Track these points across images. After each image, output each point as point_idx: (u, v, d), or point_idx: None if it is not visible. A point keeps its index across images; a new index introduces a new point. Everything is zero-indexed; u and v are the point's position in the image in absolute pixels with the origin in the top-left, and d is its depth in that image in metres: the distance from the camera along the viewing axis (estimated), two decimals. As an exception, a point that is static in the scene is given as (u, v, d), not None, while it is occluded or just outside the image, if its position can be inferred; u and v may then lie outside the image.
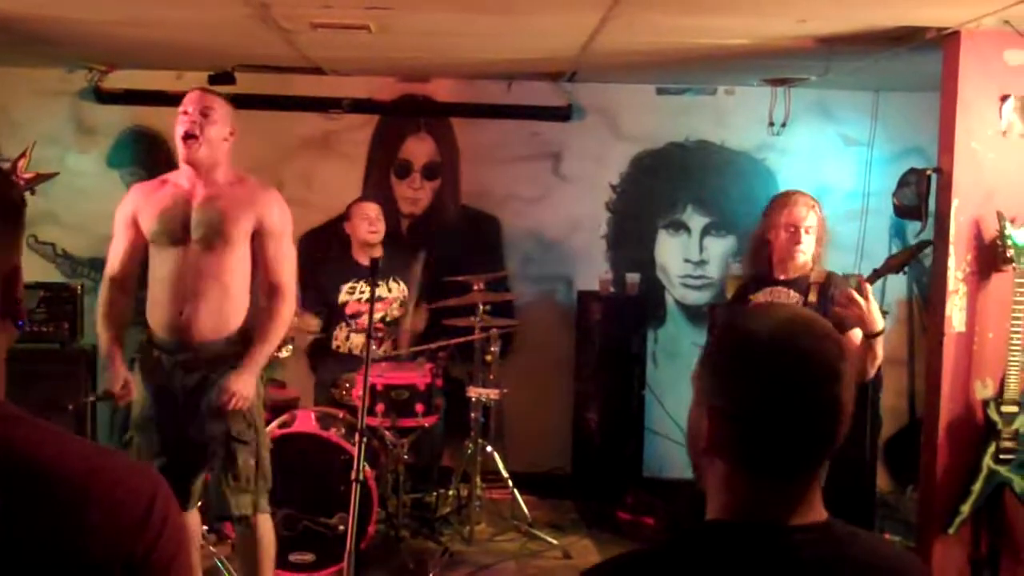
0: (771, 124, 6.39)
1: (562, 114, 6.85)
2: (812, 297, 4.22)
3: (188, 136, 4.00)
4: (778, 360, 1.45)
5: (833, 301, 4.01)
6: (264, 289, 4.15)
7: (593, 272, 6.82)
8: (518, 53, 5.72)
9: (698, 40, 5.09)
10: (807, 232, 4.26)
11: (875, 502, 5.95)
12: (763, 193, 6.86)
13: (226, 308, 4.08)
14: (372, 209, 5.99)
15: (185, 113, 4.03)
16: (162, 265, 4.08)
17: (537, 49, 5.56)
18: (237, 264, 4.08)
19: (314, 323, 5.98)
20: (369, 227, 5.91)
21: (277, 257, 4.14)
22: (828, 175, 6.83)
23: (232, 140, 4.14)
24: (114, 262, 4.20)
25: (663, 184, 6.91)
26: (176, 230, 4.03)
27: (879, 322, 3.85)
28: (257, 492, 4.12)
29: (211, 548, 5.18)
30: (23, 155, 6.56)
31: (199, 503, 4.37)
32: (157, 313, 4.09)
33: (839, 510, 1.51)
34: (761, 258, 4.39)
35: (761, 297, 4.32)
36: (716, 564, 1.44)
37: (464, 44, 5.53)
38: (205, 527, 5.22)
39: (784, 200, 4.36)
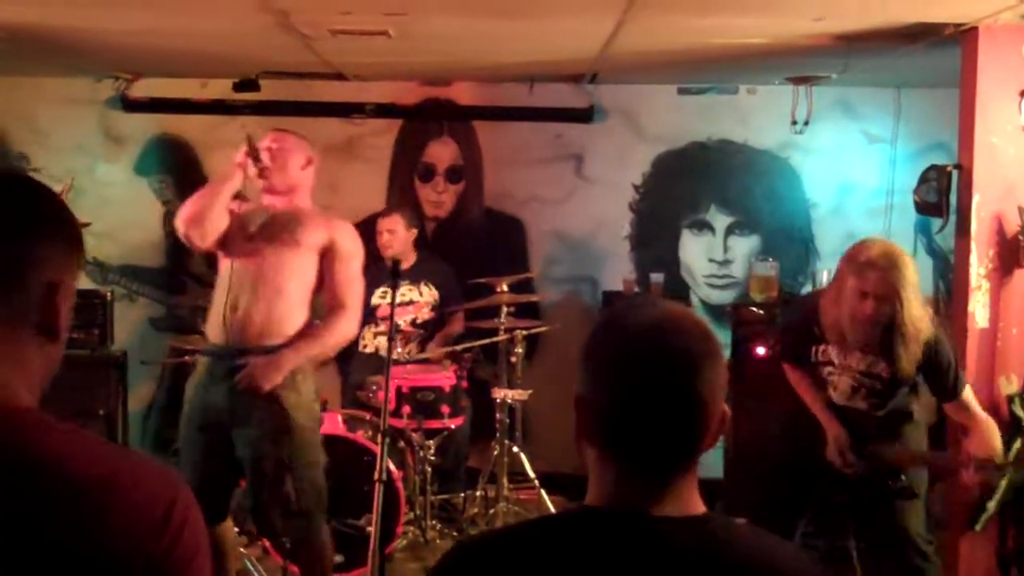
0: (794, 122, 6.38)
1: (584, 115, 6.87)
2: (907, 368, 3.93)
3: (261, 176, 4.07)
4: (634, 353, 1.47)
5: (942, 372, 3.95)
6: (328, 305, 4.13)
7: (617, 272, 6.83)
8: (538, 56, 5.75)
9: (717, 40, 5.11)
10: (876, 299, 3.80)
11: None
12: (787, 191, 6.89)
13: (280, 311, 4.00)
14: (384, 224, 6.06)
15: (256, 163, 4.05)
16: (225, 266, 4.08)
17: (557, 51, 5.59)
18: (299, 270, 4.05)
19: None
20: (380, 240, 6.00)
21: (345, 279, 4.12)
22: (852, 172, 6.83)
23: (311, 168, 4.23)
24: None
25: (686, 184, 6.91)
26: (246, 227, 4.06)
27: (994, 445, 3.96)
28: (308, 516, 4.09)
29: (241, 550, 5.24)
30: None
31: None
32: (214, 316, 4.06)
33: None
34: (834, 314, 3.99)
35: (829, 354, 4.10)
36: (577, 547, 1.45)
37: (484, 48, 5.57)
38: (236, 529, 5.28)
39: (855, 257, 3.88)
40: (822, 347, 4.11)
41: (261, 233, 4.04)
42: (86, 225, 5.86)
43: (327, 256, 4.08)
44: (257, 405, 3.93)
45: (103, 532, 1.28)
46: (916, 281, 3.83)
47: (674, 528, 1.44)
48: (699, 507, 1.49)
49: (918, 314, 3.81)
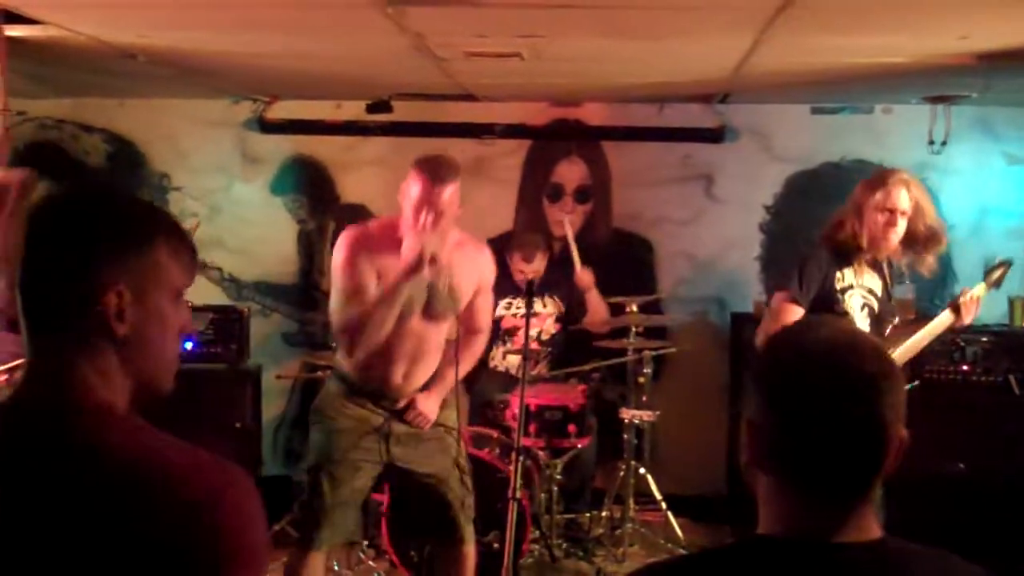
0: (931, 142, 6.24)
1: (714, 136, 6.82)
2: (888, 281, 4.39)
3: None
4: (811, 376, 1.43)
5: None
6: (464, 327, 4.22)
7: (747, 294, 6.76)
8: (670, 76, 5.73)
9: (854, 59, 5.02)
10: (902, 216, 4.23)
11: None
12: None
13: (436, 362, 4.14)
14: (528, 268, 6.04)
15: (422, 209, 3.82)
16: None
17: (689, 72, 5.56)
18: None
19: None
20: (520, 277, 6.03)
21: (483, 308, 4.25)
22: (991, 194, 6.64)
23: (458, 210, 3.96)
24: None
25: (819, 204, 6.75)
26: (408, 313, 3.92)
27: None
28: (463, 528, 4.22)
29: (370, 563, 5.32)
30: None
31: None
32: (373, 371, 4.02)
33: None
34: (853, 234, 4.28)
35: (850, 277, 4.30)
36: None
37: (615, 69, 5.57)
38: (365, 542, 5.36)
39: (882, 179, 4.30)
40: (843, 271, 4.28)
41: (425, 312, 3.97)
42: (194, 228, 6.06)
43: (474, 294, 4.18)
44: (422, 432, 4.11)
45: (154, 517, 1.33)
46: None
47: (855, 555, 1.41)
48: (876, 531, 1.45)
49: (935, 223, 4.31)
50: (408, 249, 3.83)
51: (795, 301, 4.24)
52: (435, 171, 3.84)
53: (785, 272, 4.45)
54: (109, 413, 1.43)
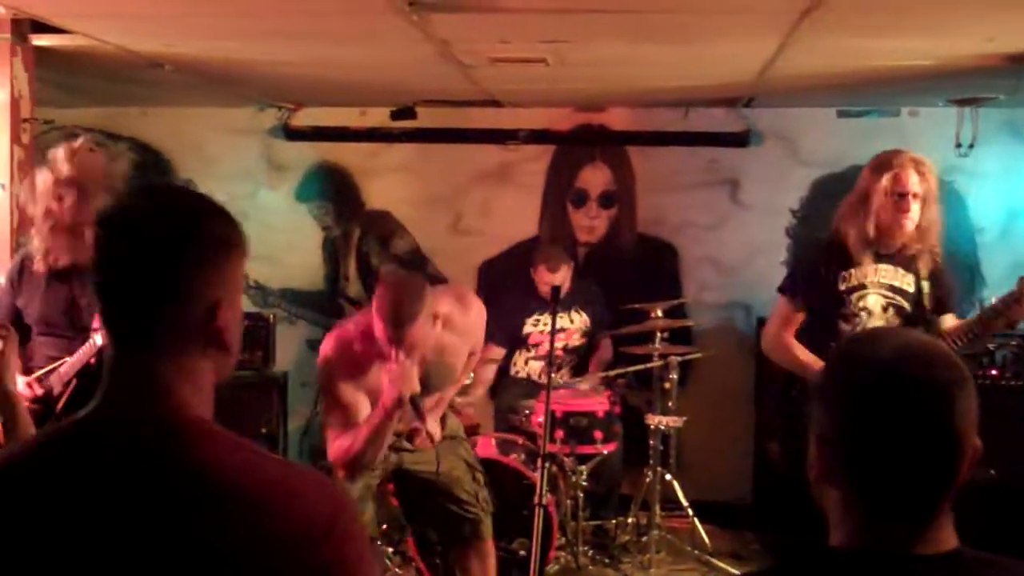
0: (958, 145, 6.19)
1: (740, 140, 6.79)
2: (925, 282, 4.01)
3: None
4: (882, 387, 1.40)
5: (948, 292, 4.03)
6: None
7: (773, 299, 6.69)
8: (695, 80, 5.72)
9: (880, 62, 4.99)
10: (915, 199, 3.91)
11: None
12: (951, 216, 6.64)
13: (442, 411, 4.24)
14: (553, 279, 5.95)
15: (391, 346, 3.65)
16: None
17: (714, 76, 5.54)
18: None
19: (499, 352, 6.11)
20: (544, 289, 5.99)
21: (477, 351, 4.30)
22: (1020, 196, 6.57)
23: (438, 321, 3.79)
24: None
25: (845, 208, 6.75)
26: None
27: None
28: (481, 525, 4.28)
29: (396, 571, 5.31)
30: None
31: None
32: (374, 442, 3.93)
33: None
34: (859, 227, 3.97)
35: (859, 276, 4.00)
36: None
37: (640, 73, 5.56)
38: (390, 548, 5.36)
39: (888, 162, 3.96)
40: (849, 271, 4.00)
41: (428, 391, 3.94)
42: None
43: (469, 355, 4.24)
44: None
45: (262, 542, 1.31)
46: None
47: (933, 568, 1.39)
48: (951, 542, 1.43)
49: (936, 217, 3.99)
50: (386, 387, 3.64)
51: (791, 304, 4.12)
52: (396, 317, 3.56)
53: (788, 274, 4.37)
54: (209, 430, 1.41)
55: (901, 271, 4.05)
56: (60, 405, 3.84)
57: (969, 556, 1.43)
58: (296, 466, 1.43)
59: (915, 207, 3.92)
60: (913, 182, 3.91)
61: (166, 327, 1.42)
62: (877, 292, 4.04)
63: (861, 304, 4.04)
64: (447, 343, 3.94)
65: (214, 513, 1.31)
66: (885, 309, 4.05)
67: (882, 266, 4.03)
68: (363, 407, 3.78)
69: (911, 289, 4.07)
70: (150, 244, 1.41)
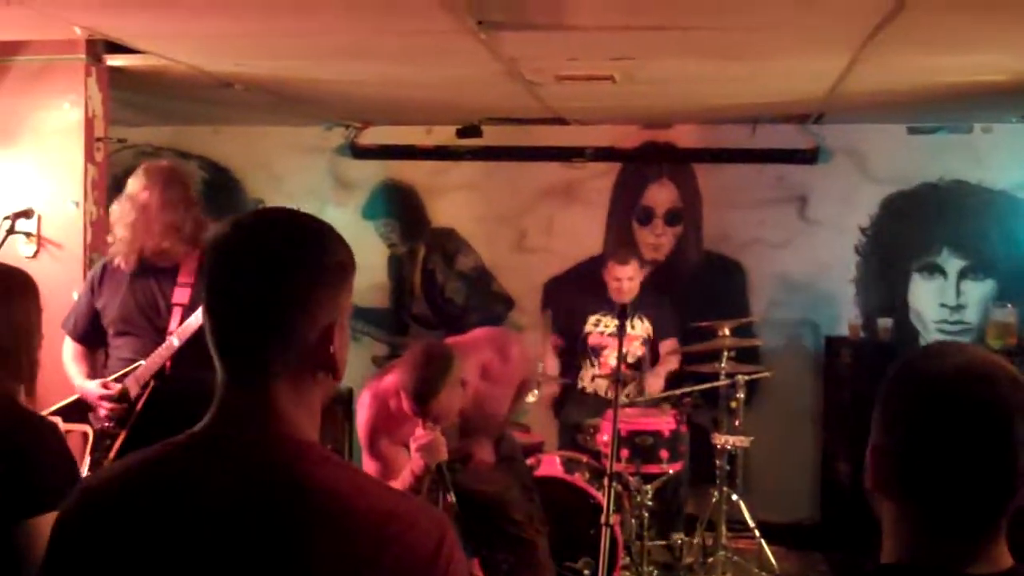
0: (1033, 161, 6.09)
1: (808, 157, 6.72)
2: None
3: None
4: (942, 402, 1.38)
5: None
6: None
7: (842, 317, 6.64)
8: (763, 97, 5.67)
9: (953, 78, 4.91)
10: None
11: None
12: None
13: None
14: (623, 272, 6.00)
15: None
16: None
17: (783, 92, 5.49)
18: None
19: (553, 365, 6.10)
20: (616, 286, 5.99)
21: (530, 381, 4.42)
22: (1096, 213, 6.45)
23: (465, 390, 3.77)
24: None
25: (916, 226, 6.66)
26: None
27: None
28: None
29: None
30: None
31: None
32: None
33: None
34: None
35: None
36: None
37: (707, 90, 5.52)
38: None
39: None
40: None
41: (463, 435, 3.96)
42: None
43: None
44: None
45: (378, 566, 1.31)
46: None
47: None
48: (1006, 561, 1.41)
49: None
50: (413, 456, 3.63)
51: None
52: (419, 394, 3.55)
53: None
54: (326, 455, 1.41)
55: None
56: (139, 406, 3.88)
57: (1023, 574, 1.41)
58: (399, 491, 1.44)
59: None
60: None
61: (283, 350, 1.41)
62: None
63: None
64: (486, 395, 3.95)
65: (332, 537, 1.31)
66: None
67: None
68: (401, 459, 3.79)
69: None
70: (275, 268, 1.40)
